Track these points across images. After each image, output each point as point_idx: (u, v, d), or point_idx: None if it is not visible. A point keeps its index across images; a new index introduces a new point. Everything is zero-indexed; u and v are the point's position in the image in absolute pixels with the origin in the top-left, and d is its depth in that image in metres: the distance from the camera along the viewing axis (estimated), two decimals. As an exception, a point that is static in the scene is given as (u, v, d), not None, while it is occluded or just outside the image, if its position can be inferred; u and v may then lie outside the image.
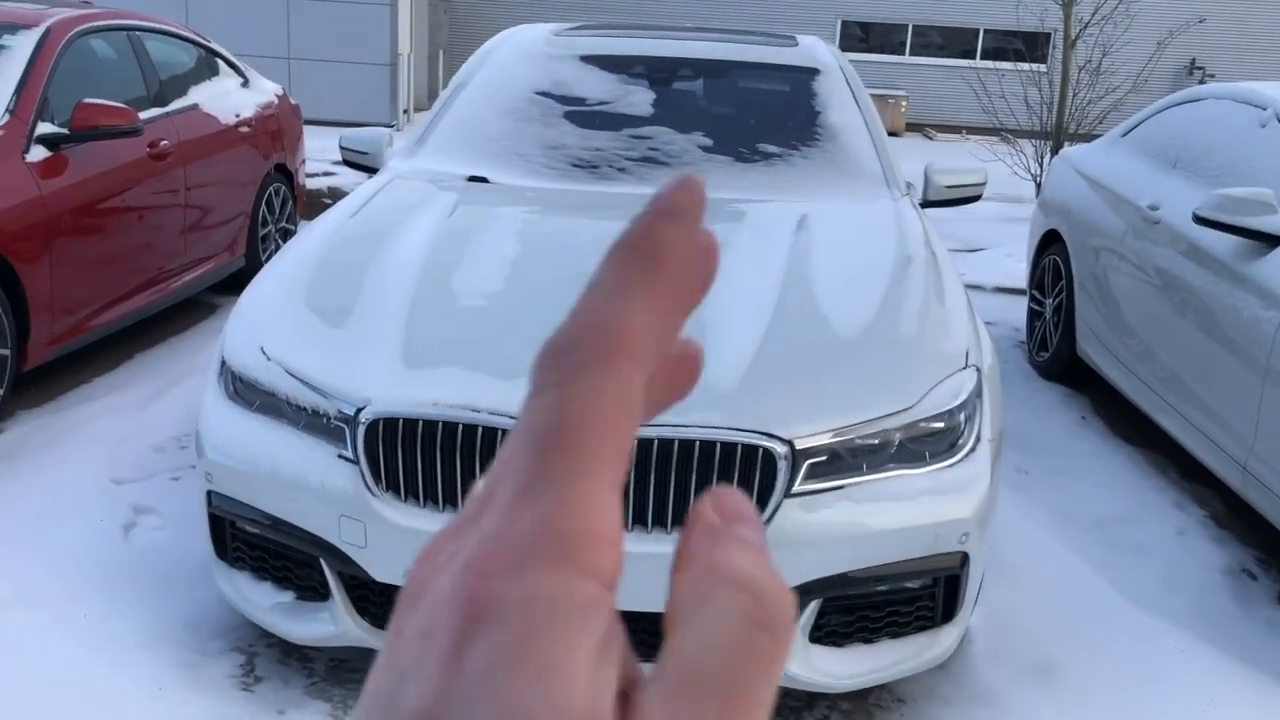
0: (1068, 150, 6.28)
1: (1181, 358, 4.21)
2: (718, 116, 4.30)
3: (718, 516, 0.28)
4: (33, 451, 4.03)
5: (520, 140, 4.01)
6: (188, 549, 3.34)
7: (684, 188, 0.29)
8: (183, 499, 3.66)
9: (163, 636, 2.94)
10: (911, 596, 2.66)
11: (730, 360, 2.63)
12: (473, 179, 3.80)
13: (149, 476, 3.85)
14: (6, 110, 4.36)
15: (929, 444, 2.64)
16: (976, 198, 4.20)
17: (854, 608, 2.62)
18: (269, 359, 2.77)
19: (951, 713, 2.84)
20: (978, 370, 2.83)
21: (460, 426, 2.48)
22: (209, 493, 2.79)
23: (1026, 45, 14.93)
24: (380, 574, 2.56)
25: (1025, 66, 11.49)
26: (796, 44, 4.75)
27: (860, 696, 2.87)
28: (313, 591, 2.75)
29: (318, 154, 9.24)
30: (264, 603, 2.78)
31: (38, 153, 4.38)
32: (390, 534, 2.51)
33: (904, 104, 18.81)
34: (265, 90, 6.77)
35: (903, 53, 19.90)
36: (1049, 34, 16.40)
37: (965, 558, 2.63)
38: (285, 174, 6.81)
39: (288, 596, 2.78)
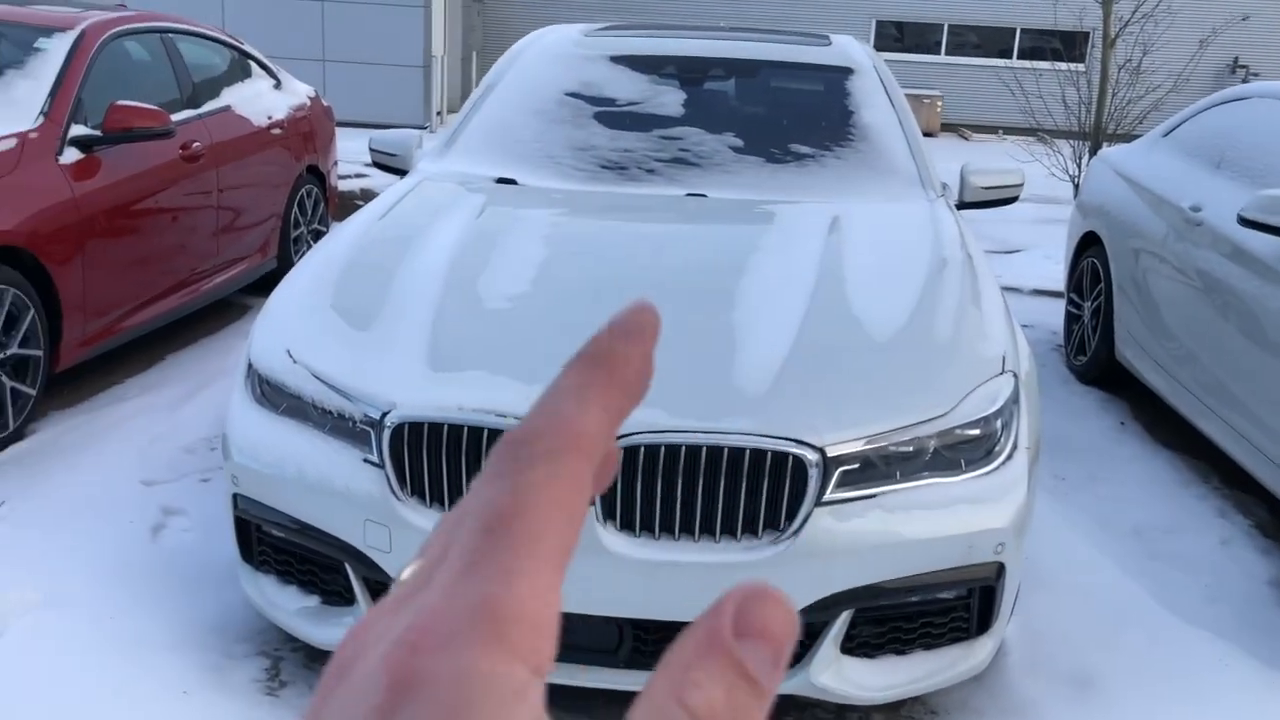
0: (1107, 151, 6.18)
1: (1224, 361, 4.11)
2: (749, 117, 4.25)
3: (730, 623, 0.25)
4: (65, 452, 4.05)
5: (549, 142, 3.98)
6: (215, 551, 3.33)
7: (640, 311, 0.31)
8: (212, 501, 3.66)
9: (189, 639, 2.93)
10: (945, 607, 2.60)
11: (760, 365, 2.58)
12: (501, 181, 3.78)
13: (179, 478, 3.86)
14: (41, 113, 4.38)
15: (964, 451, 2.58)
16: (1014, 199, 4.13)
17: (886, 619, 2.56)
18: (295, 362, 2.76)
19: (986, 726, 2.77)
20: (1015, 375, 2.77)
21: (485, 431, 2.45)
22: (235, 496, 2.78)
23: (1064, 44, 14.75)
24: (405, 579, 2.53)
25: (1063, 66, 11.35)
26: (830, 43, 4.69)
27: (892, 709, 2.81)
28: (338, 596, 2.73)
29: (351, 156, 9.27)
30: (289, 607, 2.76)
31: (71, 155, 4.41)
32: (415, 539, 2.48)
33: (939, 104, 18.64)
34: (298, 92, 6.79)
35: (938, 52, 19.72)
36: (1087, 33, 16.21)
37: (1001, 568, 2.57)
38: (317, 175, 6.82)
39: (313, 601, 2.76)
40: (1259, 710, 2.88)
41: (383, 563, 2.54)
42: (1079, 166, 10.02)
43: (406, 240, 3.22)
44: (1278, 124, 4.52)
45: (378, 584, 2.62)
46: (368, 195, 9.41)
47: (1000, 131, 18.33)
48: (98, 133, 4.56)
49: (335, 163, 7.25)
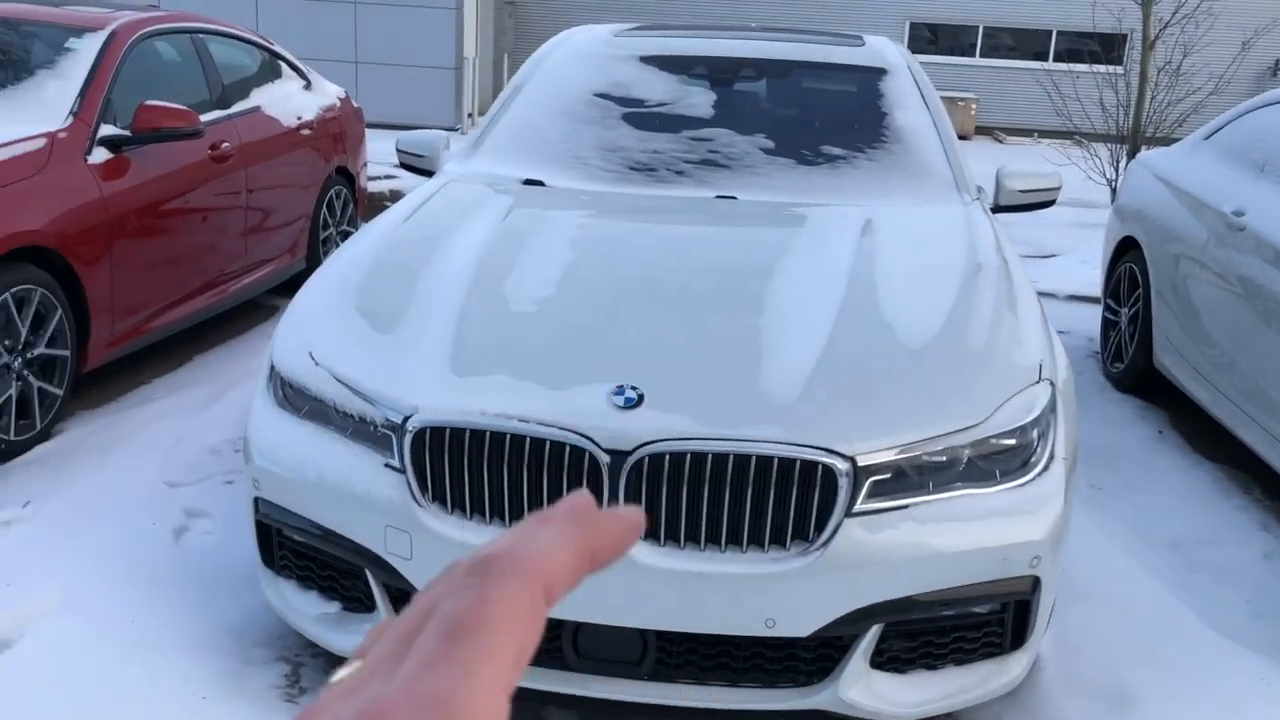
0: (1145, 154, 6.06)
1: (1266, 369, 4.00)
2: (780, 118, 4.19)
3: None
4: (91, 452, 4.04)
5: (577, 143, 3.93)
6: (237, 555, 3.31)
7: (632, 510, 0.36)
8: (235, 503, 3.64)
9: (208, 643, 2.90)
10: (979, 622, 2.52)
11: (790, 370, 2.52)
12: (528, 182, 3.73)
13: (203, 480, 3.84)
14: (70, 113, 4.39)
15: (999, 462, 2.51)
16: (1050, 203, 4.04)
17: (917, 633, 2.49)
18: (317, 364, 2.72)
19: (1020, 744, 2.70)
20: (1052, 384, 2.69)
21: (508, 436, 2.40)
22: (256, 499, 2.75)
23: (1102, 46, 14.56)
24: (426, 587, 2.49)
25: (1101, 68, 11.19)
26: (864, 44, 4.62)
27: (923, 724, 2.73)
28: (358, 603, 2.69)
29: (381, 157, 9.27)
30: (309, 612, 2.72)
31: (99, 155, 4.40)
32: (436, 546, 2.44)
33: (973, 106, 18.47)
34: (327, 93, 6.78)
35: (972, 54, 19.54)
36: (1125, 35, 16.01)
37: (1036, 582, 2.49)
38: (347, 176, 6.81)
39: (334, 607, 2.72)
40: (1304, 731, 2.79)
41: (404, 569, 2.50)
42: (1116, 170, 9.87)
43: (432, 242, 3.18)
44: (1324, 126, 4.40)
45: (398, 591, 2.58)
46: (397, 196, 9.40)
47: (1035, 134, 18.13)
48: (127, 133, 4.56)
49: (365, 164, 7.24)
